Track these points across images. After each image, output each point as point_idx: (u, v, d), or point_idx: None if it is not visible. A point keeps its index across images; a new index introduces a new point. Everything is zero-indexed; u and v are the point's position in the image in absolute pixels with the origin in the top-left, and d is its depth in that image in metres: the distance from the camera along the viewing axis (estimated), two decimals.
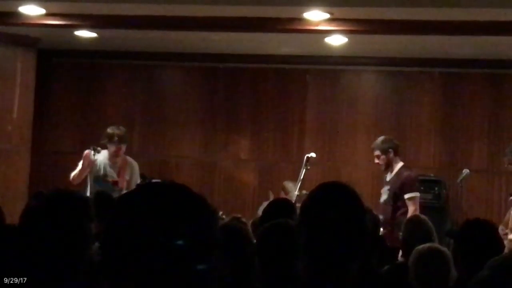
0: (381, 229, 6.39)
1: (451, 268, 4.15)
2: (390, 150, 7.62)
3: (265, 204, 9.00)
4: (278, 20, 8.04)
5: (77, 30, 9.14)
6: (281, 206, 4.32)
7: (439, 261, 4.16)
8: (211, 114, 10.54)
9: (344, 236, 2.23)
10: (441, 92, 10.03)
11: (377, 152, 7.64)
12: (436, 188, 9.39)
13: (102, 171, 7.62)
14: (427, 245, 4.32)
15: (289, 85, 10.40)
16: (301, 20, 7.95)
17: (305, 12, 7.74)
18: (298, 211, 2.74)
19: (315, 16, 7.83)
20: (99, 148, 7.56)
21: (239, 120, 10.48)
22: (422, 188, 9.26)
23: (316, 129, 10.30)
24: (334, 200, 2.31)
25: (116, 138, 7.60)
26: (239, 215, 5.40)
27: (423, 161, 9.97)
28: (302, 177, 7.49)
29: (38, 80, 10.10)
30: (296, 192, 7.54)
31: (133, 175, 7.72)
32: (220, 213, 6.92)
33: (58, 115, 10.76)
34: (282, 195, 8.71)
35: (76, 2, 8.00)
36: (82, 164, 7.47)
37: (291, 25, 8.11)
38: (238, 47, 9.85)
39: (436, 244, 4.53)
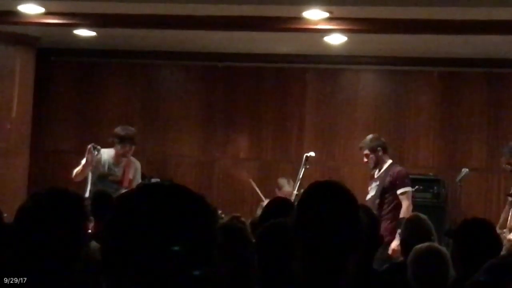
0: None
1: (449, 268, 4.15)
2: (379, 148, 7.67)
3: (263, 204, 9.18)
4: (277, 19, 8.03)
5: (77, 29, 9.14)
6: (281, 205, 4.31)
7: (437, 261, 4.16)
8: (210, 113, 10.55)
9: (338, 232, 2.24)
10: (440, 92, 10.03)
11: (366, 151, 7.69)
12: (435, 188, 9.39)
13: (107, 170, 7.60)
14: (425, 244, 4.32)
15: (288, 84, 10.40)
16: (300, 19, 7.95)
17: (304, 11, 7.74)
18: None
19: (314, 15, 7.83)
20: (98, 147, 7.55)
21: (238, 119, 10.49)
22: (421, 187, 9.29)
23: (315, 128, 10.30)
24: (327, 197, 2.32)
25: (128, 139, 7.58)
26: (238, 215, 5.40)
27: (422, 160, 9.98)
28: (301, 176, 7.49)
29: (37, 79, 10.10)
30: (295, 192, 7.55)
31: (136, 175, 7.71)
32: (219, 212, 6.92)
33: (57, 114, 10.76)
34: (276, 191, 8.90)
35: (75, 1, 7.99)
36: (86, 159, 7.42)
37: (290, 24, 8.11)
38: (237, 46, 9.85)
39: (434, 244, 4.53)
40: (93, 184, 7.50)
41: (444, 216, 9.10)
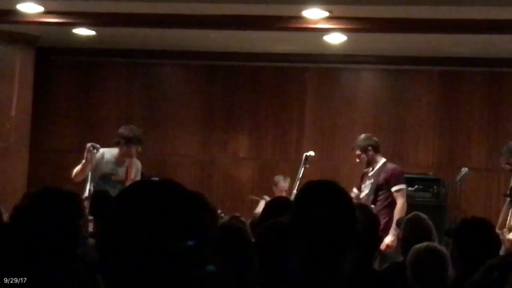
0: None
1: (449, 267, 4.15)
2: (369, 148, 7.70)
3: (259, 207, 9.26)
4: (277, 18, 8.03)
5: (76, 28, 9.14)
6: (281, 205, 4.31)
7: (436, 260, 4.16)
8: (210, 112, 10.54)
9: (334, 231, 2.25)
10: (439, 91, 10.03)
11: (357, 152, 7.73)
12: (435, 187, 9.39)
13: (110, 170, 7.57)
14: (425, 244, 4.32)
15: (287, 83, 10.39)
16: (300, 18, 7.94)
17: (304, 10, 7.74)
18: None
19: (314, 14, 7.83)
20: (98, 145, 7.52)
21: (237, 118, 10.48)
22: (421, 187, 9.30)
23: (315, 128, 10.30)
24: (322, 196, 2.32)
25: (135, 140, 7.55)
26: (238, 214, 5.40)
27: (422, 159, 9.97)
28: (300, 176, 7.48)
29: (37, 78, 10.10)
30: (295, 191, 7.55)
31: (137, 174, 7.69)
32: (219, 211, 6.91)
33: (56, 113, 10.75)
34: (273, 188, 9.10)
35: (75, 0, 8.00)
36: (86, 158, 7.39)
37: (290, 23, 8.11)
38: (236, 45, 9.84)
39: (433, 243, 4.52)
40: (95, 183, 7.46)
41: (444, 216, 9.10)
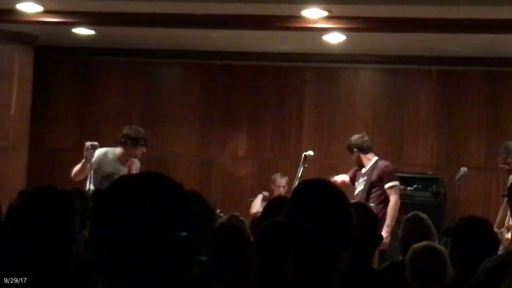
0: None
1: (447, 266, 4.16)
2: (355, 150, 7.91)
3: (255, 202, 9.32)
4: (276, 18, 8.03)
5: (75, 27, 9.13)
6: (281, 204, 4.31)
7: (434, 259, 4.17)
8: (209, 112, 10.54)
9: (329, 230, 2.25)
10: (439, 90, 10.03)
11: (349, 152, 7.94)
12: (434, 186, 9.40)
13: (113, 170, 7.57)
14: (423, 243, 4.33)
15: (287, 82, 10.40)
16: (299, 17, 7.95)
17: (303, 9, 7.74)
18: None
19: (313, 14, 7.83)
20: (96, 144, 7.52)
21: (236, 118, 10.48)
22: (420, 186, 9.30)
23: (314, 127, 10.31)
24: (317, 196, 2.33)
25: (142, 141, 7.59)
26: (237, 214, 5.40)
27: (421, 159, 9.98)
28: (299, 175, 7.49)
29: (36, 77, 10.09)
30: None
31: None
32: (218, 211, 6.92)
33: (56, 112, 10.76)
34: (271, 186, 9.18)
35: (74, 0, 8.00)
36: (85, 157, 7.40)
37: (289, 23, 8.11)
38: (236, 45, 9.84)
39: (432, 242, 4.53)
40: (98, 183, 7.45)
41: (443, 215, 9.10)
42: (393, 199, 7.60)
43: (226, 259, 3.25)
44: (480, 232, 4.14)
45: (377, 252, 6.23)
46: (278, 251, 2.99)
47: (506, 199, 7.22)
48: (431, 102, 10.03)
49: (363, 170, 7.86)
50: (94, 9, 8.21)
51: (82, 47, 10.29)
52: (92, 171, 7.36)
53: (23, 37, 9.69)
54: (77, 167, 7.46)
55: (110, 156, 7.60)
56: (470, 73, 9.98)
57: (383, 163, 7.85)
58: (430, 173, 9.69)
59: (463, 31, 8.15)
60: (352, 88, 10.32)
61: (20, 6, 8.10)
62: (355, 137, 8.01)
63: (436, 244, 4.60)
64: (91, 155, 7.37)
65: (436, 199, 9.32)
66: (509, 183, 7.41)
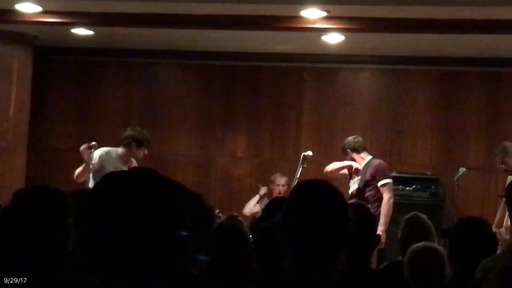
0: None
1: (446, 266, 4.16)
2: (348, 151, 8.05)
3: (250, 202, 9.35)
4: (275, 18, 8.03)
5: (74, 27, 9.13)
6: (281, 205, 4.31)
7: (433, 260, 4.17)
8: (208, 112, 10.54)
9: (326, 230, 2.25)
10: (437, 91, 10.03)
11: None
12: (432, 187, 9.39)
13: (115, 169, 7.54)
14: (422, 243, 4.33)
15: (286, 83, 10.39)
16: (298, 18, 7.95)
17: (302, 10, 7.74)
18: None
19: (312, 14, 7.83)
20: (95, 144, 7.53)
21: (235, 118, 10.48)
22: (419, 186, 9.30)
23: (313, 127, 10.30)
24: (314, 196, 2.33)
25: (146, 143, 7.63)
26: (235, 214, 5.41)
27: (420, 159, 9.98)
28: (298, 176, 7.50)
29: (35, 77, 10.09)
30: None
31: None
32: (217, 211, 6.92)
33: (54, 113, 10.75)
34: (271, 186, 9.25)
35: (73, 0, 7.99)
36: (85, 159, 7.42)
37: (288, 23, 8.11)
38: (235, 45, 9.84)
39: (430, 243, 4.53)
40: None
41: (442, 215, 9.11)
42: (386, 197, 7.69)
43: (224, 259, 3.25)
44: (478, 233, 4.15)
45: (375, 252, 6.24)
46: (277, 251, 3.00)
47: (504, 199, 7.24)
48: (430, 102, 10.03)
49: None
50: (93, 9, 8.21)
51: (81, 48, 10.29)
52: (92, 172, 7.39)
53: (22, 37, 9.69)
54: (78, 169, 7.52)
55: (113, 155, 7.65)
56: (469, 74, 9.97)
57: (375, 161, 7.93)
58: (429, 173, 9.69)
59: (462, 32, 8.15)
60: (351, 89, 10.32)
61: (19, 7, 8.11)
62: (348, 139, 8.15)
63: (435, 244, 4.60)
64: (90, 156, 7.40)
65: (435, 199, 9.32)
66: (507, 183, 7.42)
